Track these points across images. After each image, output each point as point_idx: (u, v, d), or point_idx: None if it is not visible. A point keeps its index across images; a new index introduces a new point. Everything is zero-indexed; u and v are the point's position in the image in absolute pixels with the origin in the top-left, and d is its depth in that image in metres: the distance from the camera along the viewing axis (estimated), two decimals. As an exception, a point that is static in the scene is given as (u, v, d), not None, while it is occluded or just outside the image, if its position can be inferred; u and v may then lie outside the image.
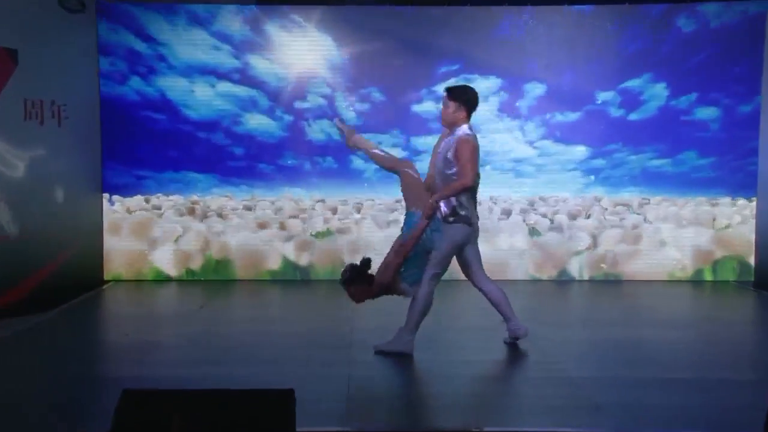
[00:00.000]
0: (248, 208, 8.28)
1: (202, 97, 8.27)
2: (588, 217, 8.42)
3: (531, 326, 5.88)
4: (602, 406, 4.14)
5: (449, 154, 5.06)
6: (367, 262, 5.18)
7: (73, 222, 7.43)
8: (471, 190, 5.13)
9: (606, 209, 8.45)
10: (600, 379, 4.64)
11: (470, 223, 5.12)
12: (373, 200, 8.36)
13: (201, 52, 8.18)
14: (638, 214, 8.41)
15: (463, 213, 5.08)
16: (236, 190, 8.36)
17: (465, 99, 5.17)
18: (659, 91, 8.39)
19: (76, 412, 4.09)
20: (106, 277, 7.93)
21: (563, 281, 8.26)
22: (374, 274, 5.13)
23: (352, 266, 5.18)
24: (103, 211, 8.01)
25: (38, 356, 5.21)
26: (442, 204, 5.07)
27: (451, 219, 5.07)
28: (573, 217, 8.43)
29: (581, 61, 8.36)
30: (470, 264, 5.24)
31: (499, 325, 5.97)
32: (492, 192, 8.46)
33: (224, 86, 8.33)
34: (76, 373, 4.78)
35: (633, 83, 8.41)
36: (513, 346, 5.37)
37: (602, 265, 8.34)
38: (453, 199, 5.06)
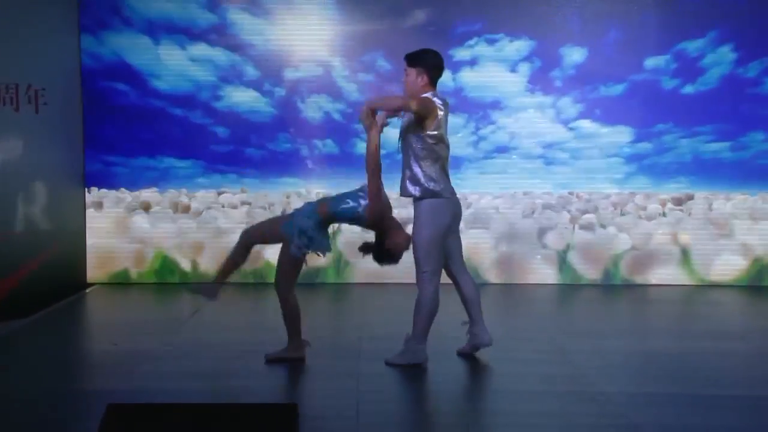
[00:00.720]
0: (246, 203, 8.18)
1: (172, 63, 7.91)
2: (623, 214, 8.20)
3: (558, 336, 5.93)
4: (638, 425, 4.15)
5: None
6: (366, 247, 5.17)
7: (54, 219, 7.50)
8: (440, 161, 5.10)
9: (645, 206, 8.23)
10: (636, 395, 4.66)
11: (443, 195, 5.09)
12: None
13: (166, 2, 7.80)
14: (681, 210, 8.21)
15: (431, 186, 5.06)
16: (223, 179, 8.12)
17: (425, 63, 5.13)
18: (724, 54, 7.99)
19: (57, 430, 4.12)
20: (89, 279, 7.98)
21: (598, 286, 8.17)
22: (377, 236, 5.13)
23: (377, 254, 5.13)
24: (86, 208, 8.02)
25: (15, 367, 5.25)
26: (407, 183, 5.07)
27: (418, 194, 5.07)
28: (610, 214, 8.24)
29: (628, 14, 7.93)
30: (450, 252, 5.21)
31: (522, 333, 6.00)
32: (517, 183, 8.22)
33: (198, 49, 7.92)
34: (56, 385, 4.82)
35: (692, 45, 7.98)
36: (538, 357, 5.40)
37: (652, 283, 8.09)
38: (418, 173, 5.04)
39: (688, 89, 8.11)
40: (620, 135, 8.21)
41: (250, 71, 8.08)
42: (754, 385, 4.92)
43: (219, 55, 8.00)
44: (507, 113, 8.28)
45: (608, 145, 8.24)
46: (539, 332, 6.15)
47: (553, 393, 4.70)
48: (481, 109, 8.24)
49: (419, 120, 5.02)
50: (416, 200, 5.12)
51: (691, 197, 8.25)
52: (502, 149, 8.31)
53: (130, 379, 4.91)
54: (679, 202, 8.27)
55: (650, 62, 8.09)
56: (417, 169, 5.06)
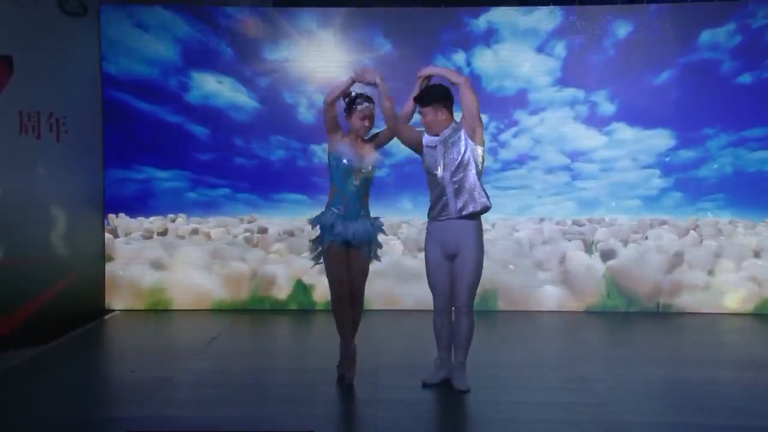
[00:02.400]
0: (263, 231, 8.01)
1: (115, 35, 7.01)
2: (646, 238, 7.78)
3: (579, 364, 5.88)
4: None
5: (462, 136, 5.06)
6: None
7: (73, 246, 7.52)
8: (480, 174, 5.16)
9: (672, 231, 7.80)
10: (658, 425, 4.61)
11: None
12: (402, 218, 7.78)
13: None
14: (711, 239, 7.71)
15: (486, 200, 5.10)
16: (216, 195, 7.48)
17: (438, 98, 5.15)
18: None
19: (75, 457, 4.09)
20: (108, 306, 7.97)
21: (618, 313, 8.00)
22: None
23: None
24: (105, 234, 7.99)
25: (35, 394, 5.25)
26: (470, 198, 5.05)
27: (473, 209, 5.07)
28: (635, 239, 7.78)
29: None
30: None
31: (541, 361, 5.98)
32: (534, 202, 7.55)
33: (149, 15, 6.81)
34: (75, 412, 4.83)
35: (763, 10, 6.95)
36: (557, 386, 5.36)
37: (674, 311, 7.72)
38: (478, 186, 5.06)
39: (746, 78, 7.15)
40: (659, 140, 7.33)
41: (226, 50, 7.22)
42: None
43: (181, 26, 7.10)
44: (532, 109, 7.44)
45: (644, 153, 7.44)
46: (559, 360, 6.10)
47: (573, 422, 4.65)
48: (501, 106, 7.36)
49: (474, 131, 5.07)
50: (466, 218, 5.07)
51: (716, 223, 7.75)
52: (522, 159, 7.55)
53: (148, 406, 4.91)
54: (706, 231, 7.79)
55: (707, 36, 7.14)
56: (477, 183, 5.08)
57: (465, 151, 5.07)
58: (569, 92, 7.43)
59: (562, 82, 7.43)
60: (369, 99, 5.23)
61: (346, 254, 5.18)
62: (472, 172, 5.08)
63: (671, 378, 5.66)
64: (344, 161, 5.16)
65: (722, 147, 7.54)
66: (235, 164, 7.53)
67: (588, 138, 7.52)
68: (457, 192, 5.08)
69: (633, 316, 8.00)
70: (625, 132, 7.51)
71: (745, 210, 7.72)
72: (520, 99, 7.54)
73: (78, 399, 5.15)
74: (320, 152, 7.27)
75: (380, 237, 5.33)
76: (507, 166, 7.68)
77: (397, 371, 5.57)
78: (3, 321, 6.71)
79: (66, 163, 7.44)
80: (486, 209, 5.11)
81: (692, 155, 7.57)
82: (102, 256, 8.01)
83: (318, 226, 5.23)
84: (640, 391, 5.36)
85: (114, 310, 7.97)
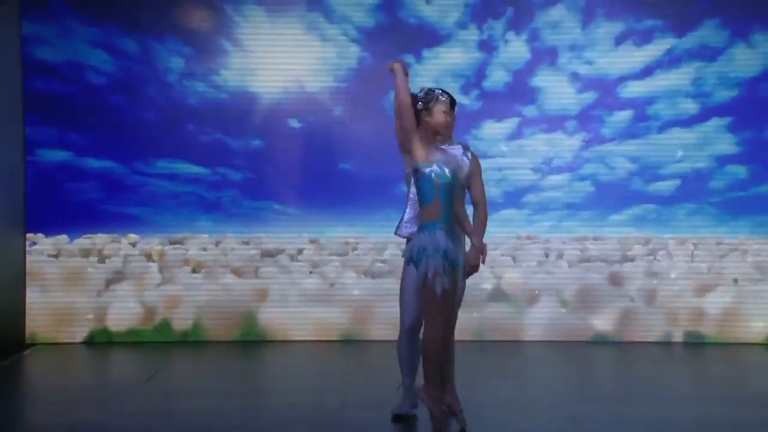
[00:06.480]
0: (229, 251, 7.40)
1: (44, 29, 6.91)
2: (654, 257, 7.14)
3: (570, 401, 5.40)
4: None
5: (465, 172, 4.74)
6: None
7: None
8: None
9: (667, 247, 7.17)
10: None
11: None
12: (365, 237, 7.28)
13: None
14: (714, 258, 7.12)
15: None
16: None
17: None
18: None
19: None
20: (27, 340, 7.37)
21: (607, 343, 7.31)
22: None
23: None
24: (25, 256, 7.30)
25: None
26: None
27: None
28: (639, 255, 7.12)
29: None
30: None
31: (528, 396, 5.44)
32: (529, 200, 7.09)
33: None
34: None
35: None
36: (549, 425, 4.72)
37: (671, 340, 7.05)
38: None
39: None
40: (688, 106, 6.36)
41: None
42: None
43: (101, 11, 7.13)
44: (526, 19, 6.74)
45: (672, 119, 6.36)
46: (548, 396, 5.52)
47: None
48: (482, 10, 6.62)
49: None
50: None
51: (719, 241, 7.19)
52: (503, 108, 6.69)
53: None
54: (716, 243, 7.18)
55: None
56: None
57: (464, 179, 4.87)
58: (584, 38, 6.56)
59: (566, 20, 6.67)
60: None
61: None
62: (461, 191, 4.84)
63: (668, 417, 4.97)
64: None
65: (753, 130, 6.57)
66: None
67: (608, 78, 6.57)
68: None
69: (620, 346, 7.28)
70: (663, 80, 6.46)
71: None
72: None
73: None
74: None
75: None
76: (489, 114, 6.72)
77: (364, 412, 4.98)
78: None
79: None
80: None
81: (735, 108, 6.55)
82: (23, 281, 7.31)
83: None
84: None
85: (36, 344, 7.33)
